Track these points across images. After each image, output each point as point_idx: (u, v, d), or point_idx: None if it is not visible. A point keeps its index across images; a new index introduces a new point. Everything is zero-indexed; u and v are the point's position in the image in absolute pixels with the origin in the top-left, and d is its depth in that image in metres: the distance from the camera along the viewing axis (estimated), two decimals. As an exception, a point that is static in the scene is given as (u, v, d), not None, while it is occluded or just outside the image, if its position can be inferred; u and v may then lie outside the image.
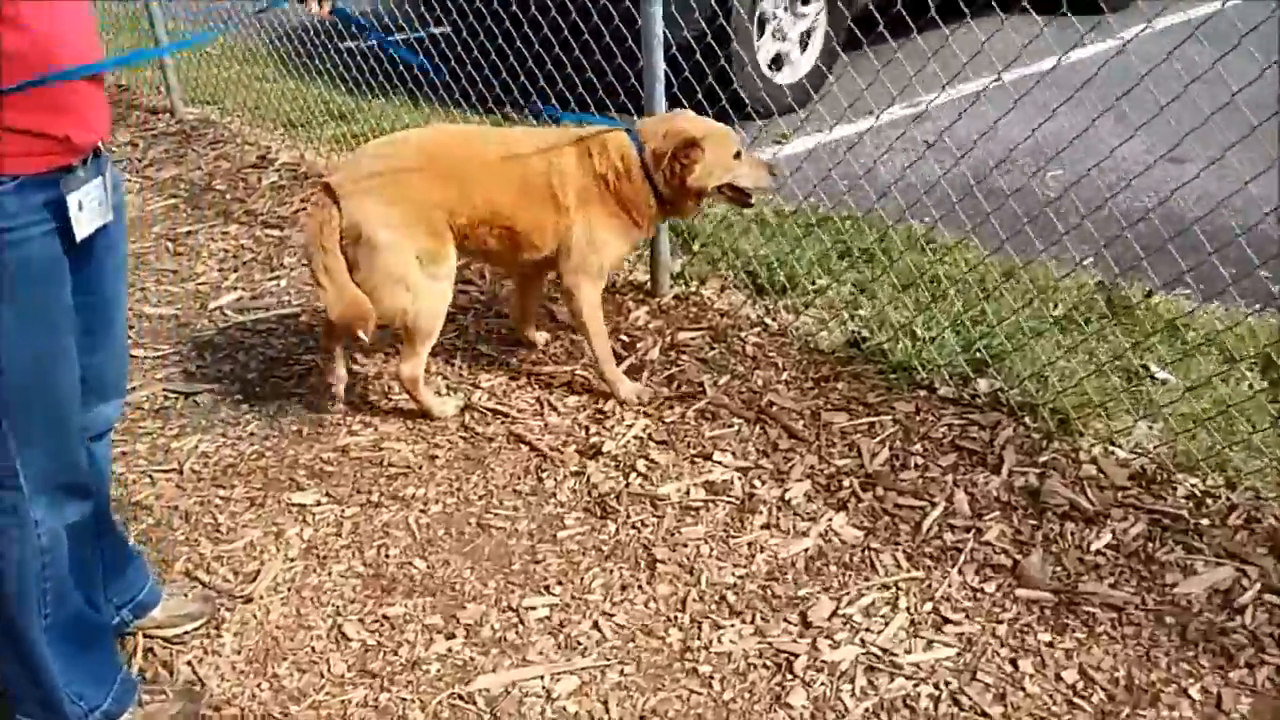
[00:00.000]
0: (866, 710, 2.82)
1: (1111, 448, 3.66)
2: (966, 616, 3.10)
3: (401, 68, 6.30)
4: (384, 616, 3.22)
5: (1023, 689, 2.86)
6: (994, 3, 4.15)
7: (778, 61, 7.34)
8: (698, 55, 5.14)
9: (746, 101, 6.06)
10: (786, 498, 3.61)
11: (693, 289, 4.89)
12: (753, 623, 3.12)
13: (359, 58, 6.64)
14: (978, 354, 4.06)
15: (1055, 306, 4.36)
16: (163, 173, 6.88)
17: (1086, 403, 3.77)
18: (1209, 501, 3.40)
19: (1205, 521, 3.33)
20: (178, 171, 6.89)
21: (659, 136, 3.76)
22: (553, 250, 3.91)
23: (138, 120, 7.92)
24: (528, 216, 3.79)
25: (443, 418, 4.04)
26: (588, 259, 3.88)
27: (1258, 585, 3.10)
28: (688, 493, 3.66)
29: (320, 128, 7.23)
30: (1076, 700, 2.82)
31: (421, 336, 3.81)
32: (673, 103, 4.55)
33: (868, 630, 3.07)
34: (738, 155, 3.83)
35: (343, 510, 3.67)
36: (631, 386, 4.09)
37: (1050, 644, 2.99)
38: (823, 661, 2.97)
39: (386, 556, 3.46)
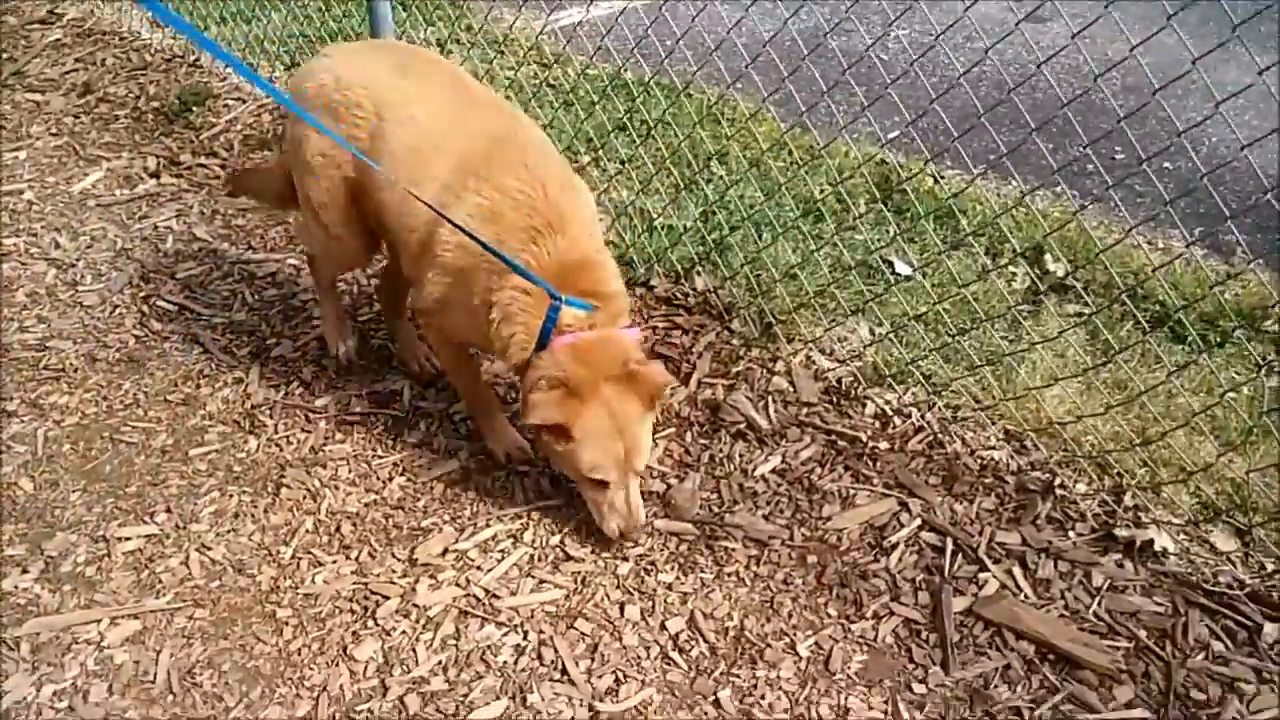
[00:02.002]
0: (437, 664, 2.52)
1: (817, 356, 3.27)
2: (592, 552, 2.78)
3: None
4: (-38, 546, 2.90)
5: (620, 640, 2.56)
6: None
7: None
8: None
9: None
10: (452, 411, 3.25)
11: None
12: (357, 559, 2.80)
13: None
14: (702, 246, 3.63)
15: (820, 190, 3.90)
16: (-56, 28, 6.30)
17: (805, 303, 3.36)
18: (896, 421, 3.03)
19: (884, 445, 2.98)
20: (-40, 27, 6.31)
21: (577, 358, 2.55)
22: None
23: (-60, -33, 7.26)
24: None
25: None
26: (427, 292, 2.80)
27: (917, 521, 2.77)
28: (348, 405, 3.30)
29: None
30: (672, 655, 2.52)
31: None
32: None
33: (478, 569, 2.75)
34: (606, 484, 2.64)
35: (-29, 421, 3.32)
36: (508, 439, 3.05)
37: (670, 586, 2.68)
38: (414, 605, 2.66)
39: (-6, 476, 3.12)
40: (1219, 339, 3.25)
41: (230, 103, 5.07)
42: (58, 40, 6.02)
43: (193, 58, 5.50)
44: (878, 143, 4.22)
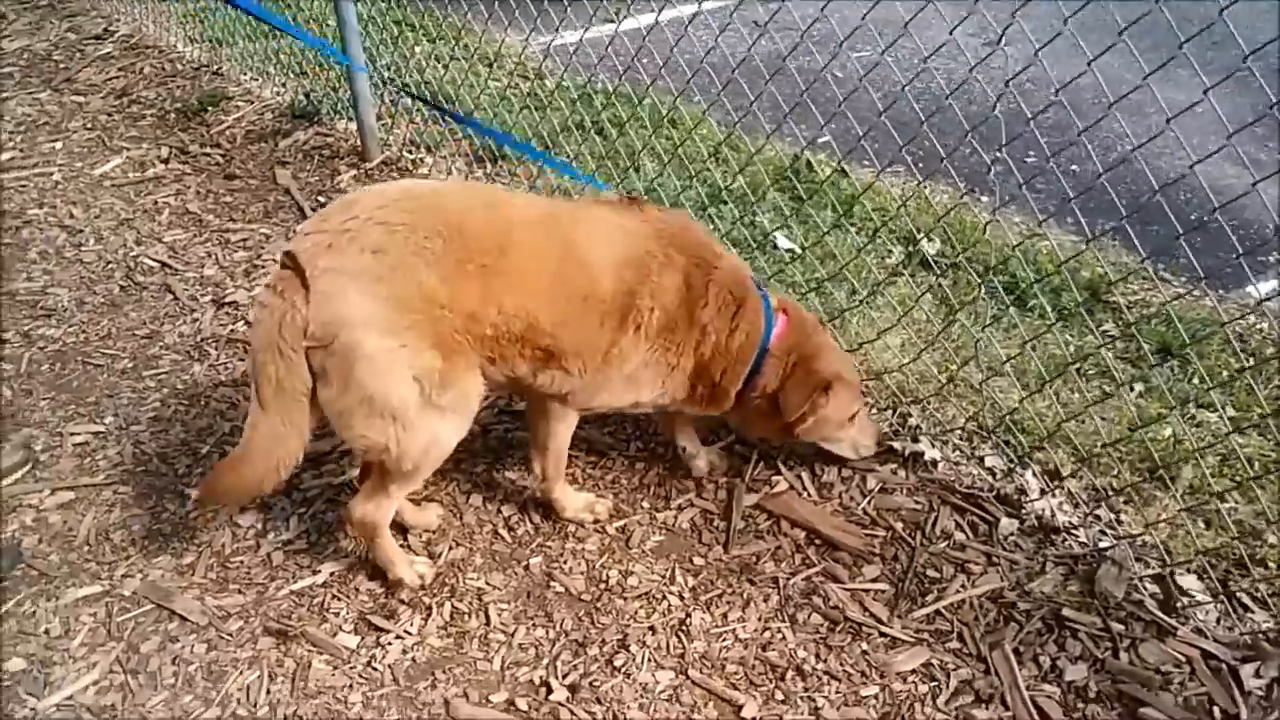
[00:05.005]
0: (303, 531, 3.00)
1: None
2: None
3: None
4: (-58, 437, 3.47)
5: (460, 519, 3.02)
6: None
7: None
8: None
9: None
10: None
11: (405, 154, 4.98)
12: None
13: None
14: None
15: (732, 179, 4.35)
16: (14, 43, 7.12)
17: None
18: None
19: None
20: (28, 42, 7.12)
21: (797, 344, 2.80)
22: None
23: (17, -10, 8.15)
24: (577, 336, 2.59)
25: (404, 582, 2.80)
26: (598, 393, 2.73)
27: (731, 436, 3.18)
28: (282, 340, 3.81)
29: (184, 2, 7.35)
30: (501, 532, 2.97)
31: (400, 479, 2.63)
32: None
33: (355, 466, 3.22)
34: (853, 416, 2.92)
35: (-30, 346, 3.92)
36: (580, 500, 3.01)
37: (514, 481, 3.12)
38: (296, 489, 3.15)
39: (-20, 387, 3.70)
40: (1060, 308, 3.60)
41: (240, 104, 5.72)
42: (108, 54, 6.77)
43: (215, 67, 6.18)
44: (804, 145, 4.64)
